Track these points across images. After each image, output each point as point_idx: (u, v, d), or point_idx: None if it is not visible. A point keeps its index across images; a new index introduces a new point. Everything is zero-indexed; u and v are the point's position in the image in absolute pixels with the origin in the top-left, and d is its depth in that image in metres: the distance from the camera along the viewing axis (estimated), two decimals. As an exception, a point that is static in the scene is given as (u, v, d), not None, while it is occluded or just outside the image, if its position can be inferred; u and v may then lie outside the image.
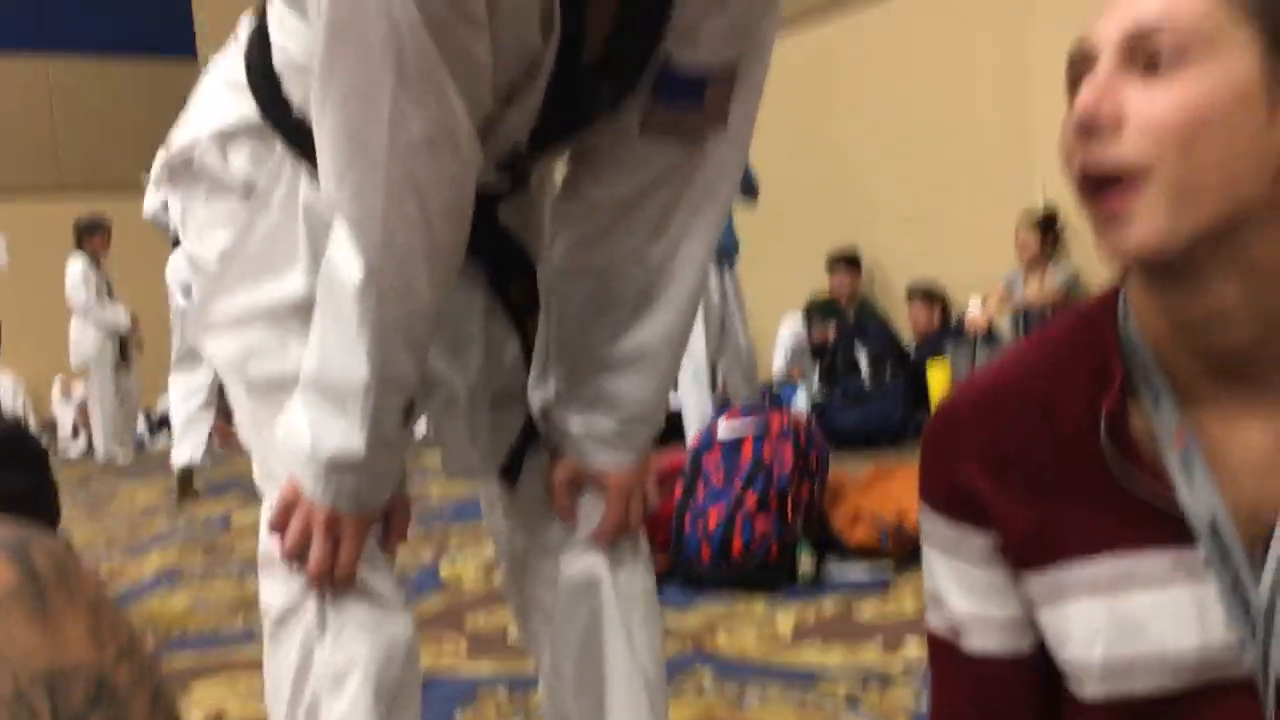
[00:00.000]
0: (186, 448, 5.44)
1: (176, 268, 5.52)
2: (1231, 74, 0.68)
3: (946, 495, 0.82)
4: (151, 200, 5.38)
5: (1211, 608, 0.74)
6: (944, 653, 0.86)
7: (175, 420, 5.57)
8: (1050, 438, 0.78)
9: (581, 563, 1.19)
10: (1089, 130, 0.70)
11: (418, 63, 0.90)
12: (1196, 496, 0.73)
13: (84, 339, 7.36)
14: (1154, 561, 0.75)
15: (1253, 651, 0.73)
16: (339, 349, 1.01)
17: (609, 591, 1.18)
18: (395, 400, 1.04)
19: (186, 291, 5.29)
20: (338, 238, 0.99)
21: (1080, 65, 0.74)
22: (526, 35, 0.97)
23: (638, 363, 1.15)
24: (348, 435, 1.03)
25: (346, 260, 0.98)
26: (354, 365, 1.01)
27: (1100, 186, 0.71)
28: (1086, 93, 0.71)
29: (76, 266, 7.18)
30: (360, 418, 1.02)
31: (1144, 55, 0.70)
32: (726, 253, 4.85)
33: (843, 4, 6.87)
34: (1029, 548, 0.79)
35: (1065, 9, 5.42)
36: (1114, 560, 0.76)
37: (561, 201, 1.15)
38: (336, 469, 1.04)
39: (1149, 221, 0.69)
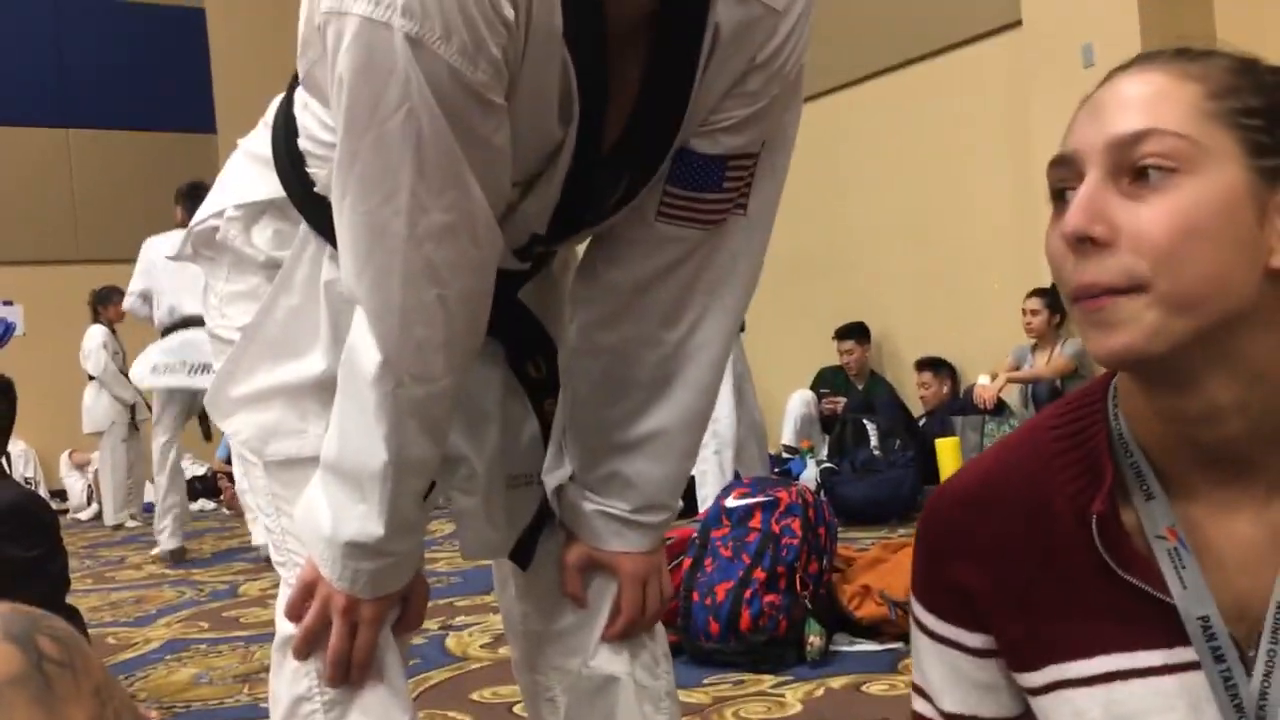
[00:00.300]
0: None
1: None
2: (1218, 183, 0.69)
3: (940, 595, 0.82)
4: (134, 290, 5.59)
5: (1205, 701, 0.74)
6: None
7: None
8: (1042, 539, 0.78)
9: (599, 659, 1.16)
10: (1081, 249, 0.71)
11: (437, 153, 0.90)
12: (1189, 595, 0.74)
13: (97, 406, 7.45)
14: (1147, 657, 0.75)
15: None
16: (357, 434, 1.01)
17: (628, 691, 1.15)
18: (414, 484, 1.03)
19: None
20: (358, 324, 0.99)
21: (1064, 171, 0.75)
22: (546, 124, 0.97)
23: (653, 445, 1.13)
24: (366, 520, 1.02)
25: (365, 347, 0.98)
26: (372, 450, 1.00)
27: (1090, 293, 0.71)
28: (1077, 210, 0.72)
29: (97, 334, 7.34)
30: (379, 503, 1.01)
31: (1129, 166, 0.71)
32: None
33: (854, 77, 6.98)
34: (1023, 650, 0.79)
35: (1065, 86, 5.50)
36: (1108, 658, 0.76)
37: (578, 283, 1.14)
38: (355, 554, 1.03)
39: (1137, 327, 0.69)
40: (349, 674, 1.06)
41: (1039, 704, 0.80)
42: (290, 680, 1.08)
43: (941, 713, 0.84)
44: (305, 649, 1.07)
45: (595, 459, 1.14)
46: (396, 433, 0.99)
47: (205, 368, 5.31)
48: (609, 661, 1.16)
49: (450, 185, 0.92)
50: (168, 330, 5.43)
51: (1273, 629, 0.73)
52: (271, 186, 1.12)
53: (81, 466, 9.18)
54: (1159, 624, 0.75)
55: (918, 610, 0.84)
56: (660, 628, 1.22)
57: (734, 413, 4.72)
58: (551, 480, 1.16)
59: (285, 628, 1.09)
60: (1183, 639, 0.74)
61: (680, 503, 1.19)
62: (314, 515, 1.05)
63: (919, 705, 0.86)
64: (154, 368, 5.38)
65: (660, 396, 1.12)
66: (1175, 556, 0.74)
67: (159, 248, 5.44)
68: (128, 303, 5.70)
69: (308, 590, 1.06)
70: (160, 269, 5.39)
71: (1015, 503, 0.79)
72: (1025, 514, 0.78)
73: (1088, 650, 0.76)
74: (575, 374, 1.14)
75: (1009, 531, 0.79)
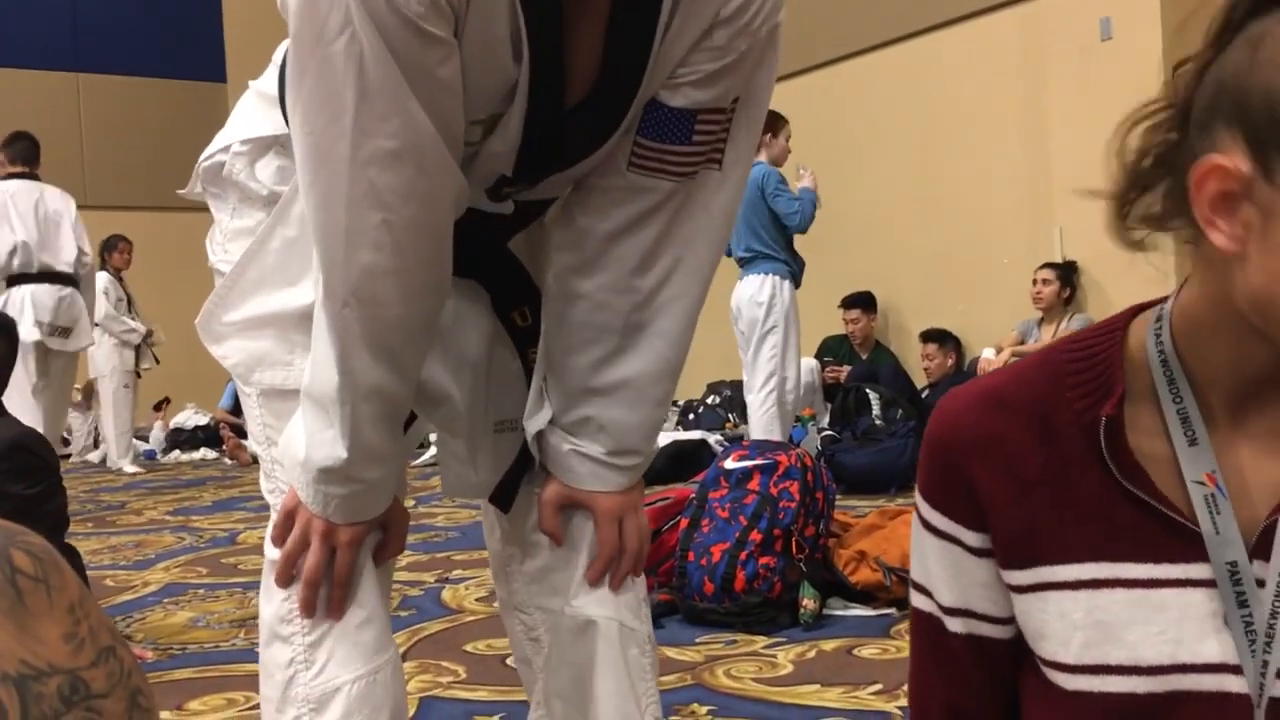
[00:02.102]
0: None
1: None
2: None
3: (945, 491, 0.84)
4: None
5: (1190, 619, 0.76)
6: (924, 628, 0.88)
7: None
8: (1044, 447, 0.80)
9: (579, 600, 1.18)
10: None
11: (379, 78, 0.92)
12: (1220, 540, 0.75)
13: (99, 351, 7.51)
14: (1136, 569, 0.77)
15: (1251, 669, 0.75)
16: (320, 357, 1.04)
17: (608, 636, 1.17)
18: (371, 408, 1.04)
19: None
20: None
21: None
22: (499, 60, 0.98)
23: (625, 392, 1.15)
24: (334, 445, 1.04)
25: (319, 269, 1.00)
26: (329, 372, 1.03)
27: None
28: None
29: (100, 280, 7.36)
30: (339, 424, 1.04)
31: None
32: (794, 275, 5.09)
33: (867, 45, 6.92)
34: (1016, 548, 0.81)
35: (1082, 59, 5.46)
36: (1097, 565, 0.78)
37: (556, 229, 1.16)
38: (325, 478, 1.06)
39: None
40: (324, 594, 1.09)
41: (1022, 602, 0.82)
42: (272, 609, 1.11)
43: (940, 606, 0.86)
44: (286, 572, 1.10)
45: (571, 403, 1.16)
46: (346, 355, 1.02)
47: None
48: (588, 604, 1.18)
49: (394, 112, 0.93)
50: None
51: None
52: (277, 123, 1.14)
53: (76, 405, 9.21)
54: (1152, 538, 0.77)
55: (923, 507, 0.86)
56: (641, 575, 1.24)
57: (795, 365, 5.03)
58: (532, 425, 1.17)
59: (272, 553, 1.11)
60: (1174, 555, 0.76)
61: (655, 447, 1.21)
62: (292, 441, 1.08)
63: (918, 601, 0.88)
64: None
65: (633, 344, 1.14)
66: (1211, 502, 0.76)
67: None
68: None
69: (289, 516, 1.09)
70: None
71: (1023, 407, 0.81)
72: (1030, 419, 0.80)
73: (1077, 556, 0.78)
74: (552, 319, 1.16)
75: (1014, 431, 0.80)
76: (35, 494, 2.47)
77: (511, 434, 1.20)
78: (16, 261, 5.52)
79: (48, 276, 5.50)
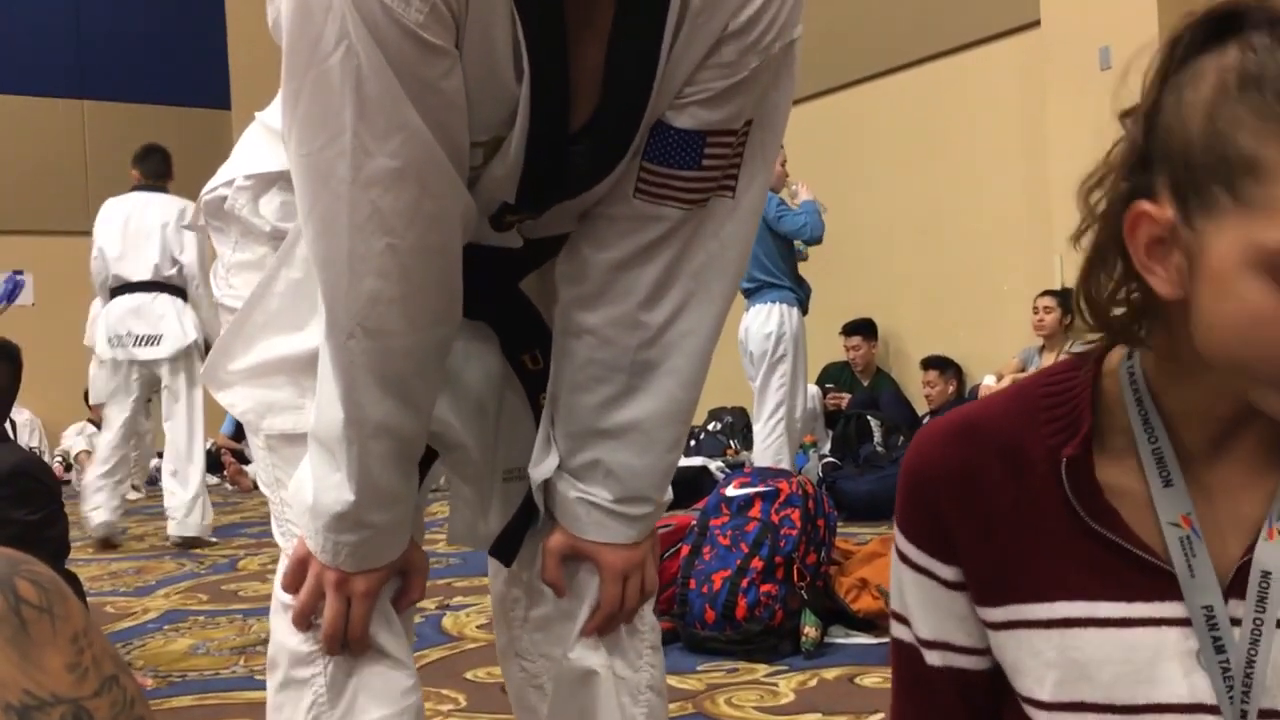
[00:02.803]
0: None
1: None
2: None
3: (918, 525, 0.84)
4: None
5: (1164, 659, 0.75)
6: (904, 659, 0.88)
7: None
8: (1016, 482, 0.80)
9: (577, 651, 1.14)
10: None
11: (378, 93, 0.88)
12: (1196, 584, 0.75)
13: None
14: (1109, 608, 0.77)
15: (1230, 713, 0.74)
16: (326, 396, 0.99)
17: (607, 685, 1.13)
18: (381, 446, 1.00)
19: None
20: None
21: None
22: (500, 76, 0.94)
23: (634, 435, 1.09)
24: (340, 489, 1.00)
25: (322, 298, 0.96)
26: (335, 410, 0.98)
27: None
28: None
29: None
30: (346, 466, 0.99)
31: None
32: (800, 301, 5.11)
33: (869, 73, 6.95)
34: (988, 584, 0.81)
35: (1081, 88, 5.48)
36: (1070, 604, 0.78)
37: (562, 261, 1.10)
38: (334, 526, 1.02)
39: None
40: (345, 647, 1.05)
41: (996, 638, 0.82)
42: (289, 650, 1.06)
43: (918, 638, 0.86)
44: (303, 624, 1.06)
45: (578, 445, 1.10)
46: (353, 390, 0.97)
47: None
48: (585, 655, 1.14)
49: (396, 129, 0.89)
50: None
51: (1258, 598, 0.74)
52: (282, 158, 1.09)
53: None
54: (1123, 576, 0.76)
55: (899, 539, 0.86)
56: (653, 619, 1.20)
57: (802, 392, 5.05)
58: (538, 473, 1.12)
59: (284, 596, 1.08)
60: (1146, 594, 0.76)
61: (669, 496, 1.16)
62: (301, 488, 1.04)
63: (898, 631, 0.88)
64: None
65: (642, 384, 1.08)
66: (1186, 545, 0.75)
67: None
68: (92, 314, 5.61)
69: (301, 565, 1.05)
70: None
71: (995, 442, 0.80)
72: (1003, 453, 0.80)
73: (1048, 594, 0.78)
74: (559, 356, 1.11)
75: (985, 466, 0.80)
76: (37, 520, 2.47)
77: (520, 483, 1.15)
78: (100, 276, 5.34)
79: (126, 288, 5.26)
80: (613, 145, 1.01)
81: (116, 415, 5.37)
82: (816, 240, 5.07)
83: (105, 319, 5.33)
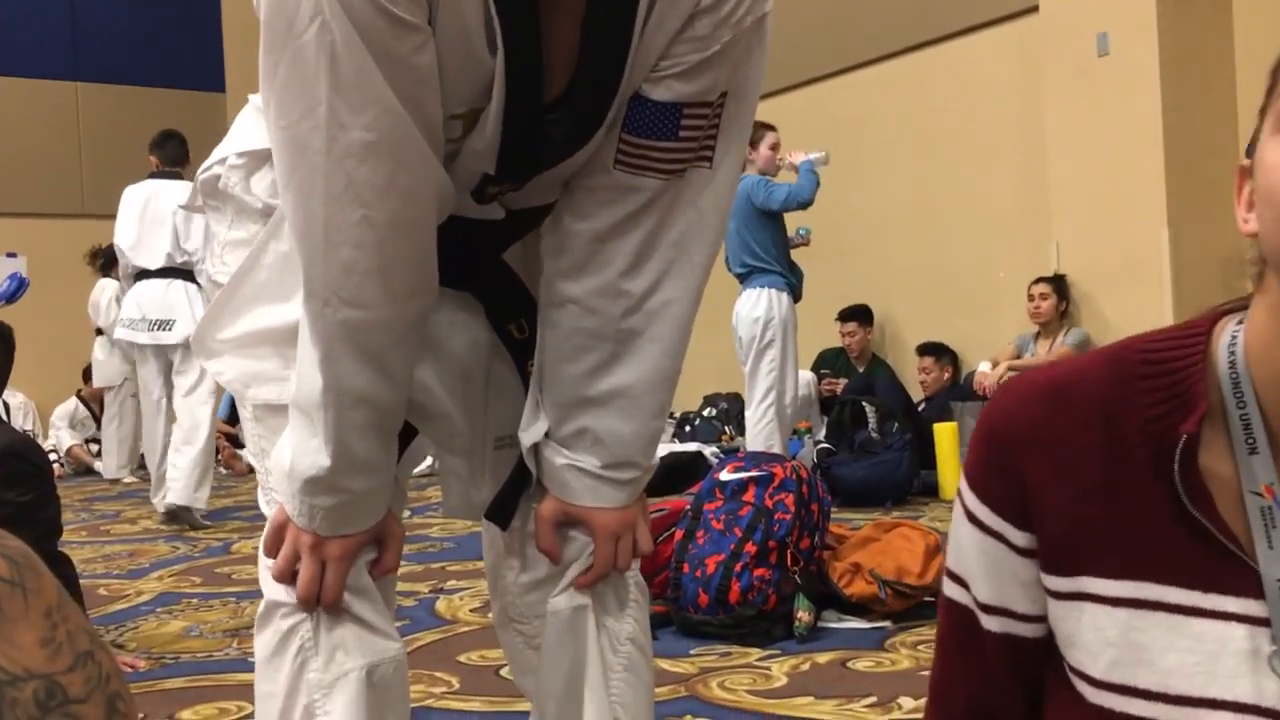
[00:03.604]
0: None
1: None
2: None
3: (996, 488, 0.80)
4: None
5: (1228, 654, 0.73)
6: (957, 620, 0.85)
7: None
8: (1107, 451, 0.77)
9: (569, 604, 1.16)
10: None
11: (351, 68, 0.90)
12: (1273, 556, 0.72)
13: (109, 361, 7.41)
14: (1182, 595, 0.74)
15: None
16: (305, 362, 1.02)
17: (594, 636, 1.15)
18: (356, 415, 1.02)
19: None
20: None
21: None
22: (473, 50, 0.96)
23: (620, 402, 1.12)
24: (317, 454, 1.02)
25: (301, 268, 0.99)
26: (313, 376, 1.01)
27: None
28: None
29: (108, 288, 7.30)
30: (323, 431, 1.02)
31: None
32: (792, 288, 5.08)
33: (865, 59, 6.93)
34: (1061, 553, 0.78)
35: (1079, 74, 5.47)
36: (1140, 585, 0.75)
37: (545, 233, 1.14)
38: (310, 489, 1.04)
39: None
40: (323, 611, 1.07)
41: (1057, 608, 0.79)
42: (280, 596, 1.09)
43: (976, 601, 0.83)
44: (285, 573, 1.08)
45: (566, 414, 1.13)
46: (330, 358, 1.00)
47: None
48: (572, 596, 1.16)
49: (370, 102, 0.92)
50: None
51: None
52: None
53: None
54: (1203, 564, 0.74)
55: (970, 501, 0.82)
56: (640, 578, 1.22)
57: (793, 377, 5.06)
58: (527, 437, 1.15)
59: (266, 561, 1.11)
60: (1222, 585, 0.73)
61: (655, 460, 1.19)
62: (281, 453, 1.06)
63: (953, 591, 0.85)
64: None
65: (627, 352, 1.11)
66: (1268, 515, 0.73)
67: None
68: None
69: (280, 530, 1.08)
70: None
71: (1090, 408, 0.77)
72: (1094, 421, 0.77)
73: (1122, 572, 0.76)
74: (544, 326, 1.14)
75: (1079, 431, 0.77)
76: (28, 501, 2.46)
77: (511, 450, 1.18)
78: (122, 261, 5.43)
79: (143, 275, 5.34)
80: (588, 116, 1.03)
81: (152, 410, 5.55)
82: (807, 202, 4.96)
83: (125, 304, 5.43)
